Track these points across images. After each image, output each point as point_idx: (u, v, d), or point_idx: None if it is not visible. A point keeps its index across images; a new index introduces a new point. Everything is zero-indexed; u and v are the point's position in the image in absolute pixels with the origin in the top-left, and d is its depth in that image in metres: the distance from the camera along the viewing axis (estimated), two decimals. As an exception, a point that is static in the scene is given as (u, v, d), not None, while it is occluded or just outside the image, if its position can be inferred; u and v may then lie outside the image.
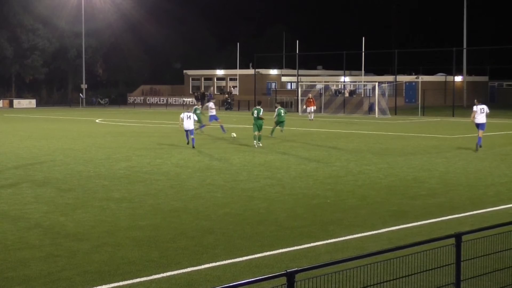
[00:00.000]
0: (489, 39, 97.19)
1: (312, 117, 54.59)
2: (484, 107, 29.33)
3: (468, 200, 17.01)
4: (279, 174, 21.59)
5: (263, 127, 31.54)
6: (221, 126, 37.88)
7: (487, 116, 29.61)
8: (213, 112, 38.83)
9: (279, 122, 35.72)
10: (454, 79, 68.75)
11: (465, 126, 45.85)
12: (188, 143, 30.73)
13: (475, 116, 29.11)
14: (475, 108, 29.17)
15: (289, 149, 30.06)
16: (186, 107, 35.99)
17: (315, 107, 56.61)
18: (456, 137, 37.06)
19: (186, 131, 30.57)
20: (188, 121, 30.32)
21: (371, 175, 21.38)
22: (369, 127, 45.30)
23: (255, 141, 30.94)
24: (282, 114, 35.53)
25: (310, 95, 57.63)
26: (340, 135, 37.86)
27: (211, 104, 39.62)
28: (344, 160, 25.41)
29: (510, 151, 29.21)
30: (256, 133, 30.95)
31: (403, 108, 69.23)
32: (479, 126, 29.08)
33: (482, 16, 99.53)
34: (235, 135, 34.87)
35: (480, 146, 28.81)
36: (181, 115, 30.82)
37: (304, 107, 56.75)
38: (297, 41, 77.99)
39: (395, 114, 61.42)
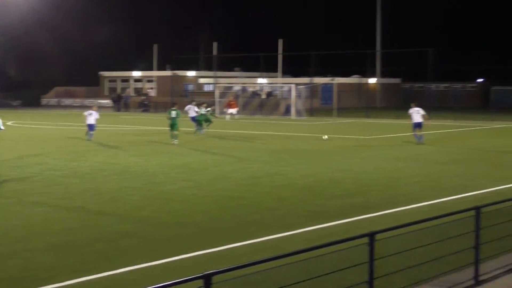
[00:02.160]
0: (402, 42, 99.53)
1: (236, 117, 54.99)
2: (420, 109, 33.52)
3: (383, 199, 17.41)
4: (196, 176, 21.57)
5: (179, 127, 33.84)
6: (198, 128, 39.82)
7: (424, 117, 33.61)
8: (194, 114, 40.76)
9: (206, 120, 39.42)
10: (368, 81, 70.08)
11: (380, 127, 46.88)
12: (88, 139, 34.75)
13: (412, 117, 33.41)
14: (411, 110, 33.63)
15: (206, 151, 30.06)
16: (95, 107, 38.57)
17: (237, 109, 56.83)
18: (371, 137, 37.81)
19: (88, 125, 35.20)
20: (90, 117, 35.21)
21: (288, 176, 21.60)
22: (286, 129, 45.75)
23: (172, 139, 33.26)
24: (202, 113, 39.10)
25: (231, 97, 57.95)
26: (257, 137, 38.08)
27: (191, 107, 41.37)
28: (261, 161, 25.59)
29: (406, 151, 29.99)
30: (173, 132, 33.51)
31: (319, 109, 70.18)
32: (416, 125, 33.42)
33: (396, 19, 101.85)
34: (326, 137, 35.96)
35: (422, 143, 32.80)
36: (84, 113, 36.04)
37: (225, 109, 56.90)
38: (214, 43, 78.02)
39: (311, 116, 62.22)
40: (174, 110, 34.00)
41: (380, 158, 27.10)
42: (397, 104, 62.99)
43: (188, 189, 18.95)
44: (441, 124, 48.36)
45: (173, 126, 33.50)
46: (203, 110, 39.81)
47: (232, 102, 56.39)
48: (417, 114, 33.29)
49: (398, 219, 14.52)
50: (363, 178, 21.31)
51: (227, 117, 55.28)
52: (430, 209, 15.99)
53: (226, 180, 20.76)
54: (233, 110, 55.51)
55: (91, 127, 35.24)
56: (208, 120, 40.12)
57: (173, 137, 33.33)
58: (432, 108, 56.56)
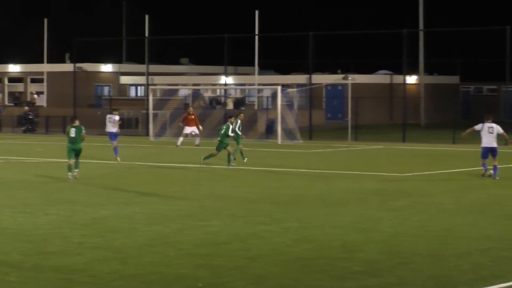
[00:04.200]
0: (456, 17, 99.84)
1: (198, 142, 54.77)
2: (494, 125, 34.64)
3: (431, 279, 17.37)
4: (117, 241, 21.46)
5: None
6: (115, 149, 42.35)
7: (502, 137, 35.55)
8: (115, 129, 43.67)
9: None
10: (405, 79, 70.14)
11: (425, 158, 46.92)
12: None
13: (482, 138, 34.50)
14: (478, 127, 34.83)
15: (134, 197, 29.94)
16: None
17: (201, 128, 56.37)
18: (409, 175, 37.83)
19: None
20: None
21: (272, 241, 21.54)
22: (268, 161, 45.70)
23: (69, 173, 34.25)
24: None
25: (190, 109, 57.70)
26: (219, 174, 38.02)
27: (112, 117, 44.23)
28: (227, 216, 25.52)
29: (494, 197, 30.08)
30: (71, 161, 34.29)
31: (324, 128, 70.23)
32: (487, 152, 34.31)
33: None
34: None
35: (492, 176, 34.33)
36: None
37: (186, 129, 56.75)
38: (147, 17, 77.91)
39: (310, 139, 62.21)
40: (74, 127, 34.72)
41: (425, 209, 27.11)
42: (453, 118, 62.96)
43: (103, 263, 18.81)
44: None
45: (72, 151, 34.32)
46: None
47: (191, 115, 56.21)
48: (489, 134, 33.88)
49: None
50: (396, 243, 21.30)
51: (180, 140, 54.96)
52: (512, 295, 16.01)
53: (167, 247, 20.67)
54: (192, 129, 55.31)
55: None
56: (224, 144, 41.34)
57: (71, 169, 34.14)
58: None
